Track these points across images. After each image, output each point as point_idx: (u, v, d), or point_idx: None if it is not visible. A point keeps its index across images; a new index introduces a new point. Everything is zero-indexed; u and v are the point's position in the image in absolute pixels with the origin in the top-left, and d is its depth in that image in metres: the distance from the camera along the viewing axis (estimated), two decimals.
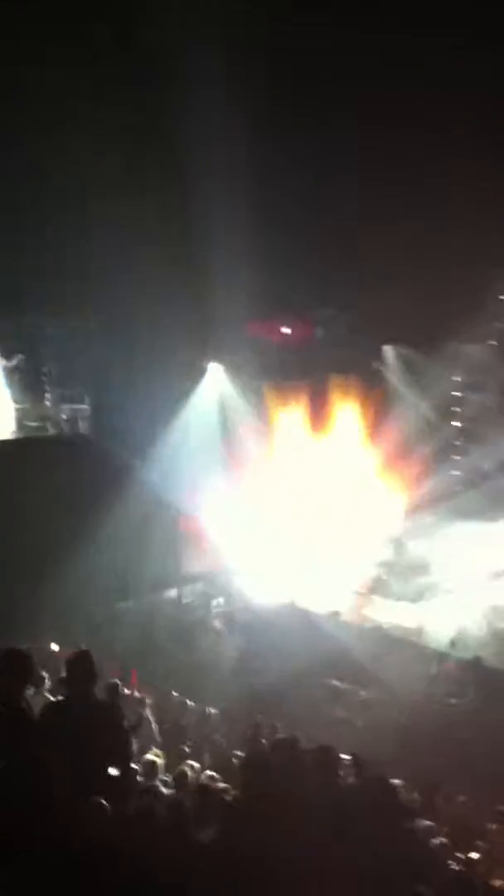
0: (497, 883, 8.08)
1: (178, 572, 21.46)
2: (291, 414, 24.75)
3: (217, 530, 22.37)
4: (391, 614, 20.15)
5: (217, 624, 20.10)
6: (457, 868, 7.30)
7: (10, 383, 20.33)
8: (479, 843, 9.32)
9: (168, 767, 8.43)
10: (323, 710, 16.21)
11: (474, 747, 13.90)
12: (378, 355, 26.00)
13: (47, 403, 21.43)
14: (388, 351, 25.93)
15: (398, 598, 20.85)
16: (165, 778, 7.78)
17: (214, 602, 21.01)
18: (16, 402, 20.49)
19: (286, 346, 25.49)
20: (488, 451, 24.04)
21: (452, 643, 18.19)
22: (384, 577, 21.86)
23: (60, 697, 6.13)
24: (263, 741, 9.16)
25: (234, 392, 23.71)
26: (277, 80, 20.26)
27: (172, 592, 21.17)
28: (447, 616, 19.28)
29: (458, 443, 25.62)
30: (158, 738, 10.84)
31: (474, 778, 12.59)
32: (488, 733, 14.29)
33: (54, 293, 19.05)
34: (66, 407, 21.48)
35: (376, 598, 21.15)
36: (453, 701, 16.47)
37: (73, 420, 21.41)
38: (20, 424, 20.51)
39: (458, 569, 21.18)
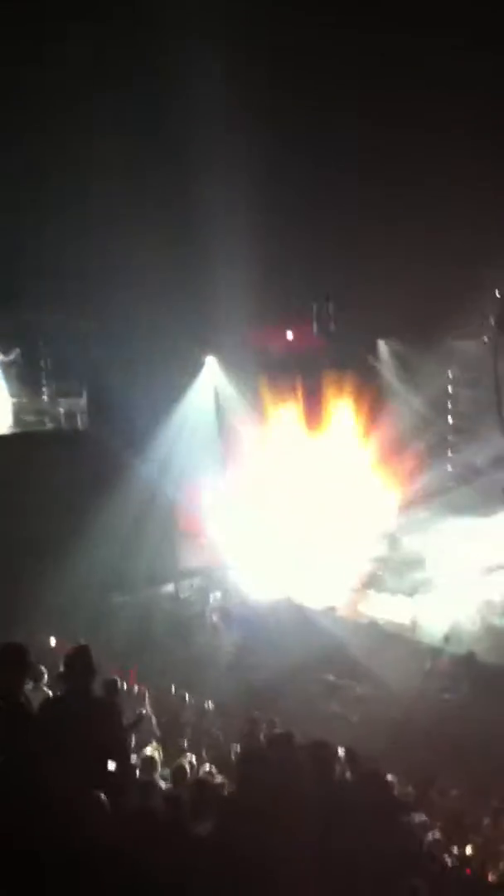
0: (491, 877, 8.16)
1: (176, 567, 21.54)
2: (286, 409, 24.78)
3: (214, 525, 22.43)
4: (386, 609, 20.20)
5: (214, 619, 20.16)
6: (451, 862, 7.38)
7: (8, 378, 20.33)
8: (473, 837, 9.40)
9: (166, 762, 8.48)
10: (318, 704, 16.29)
11: (468, 742, 13.98)
12: (373, 350, 26.03)
13: (44, 398, 21.43)
14: (383, 346, 25.96)
15: (393, 594, 20.88)
16: (163, 772, 7.83)
17: (211, 597, 21.07)
18: (13, 396, 20.49)
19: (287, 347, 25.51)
20: (481, 446, 24.07)
21: (446, 638, 18.25)
22: (379, 573, 21.91)
23: (59, 692, 6.16)
24: (261, 736, 9.19)
25: (230, 386, 23.72)
26: (278, 79, 20.22)
27: (170, 587, 21.22)
28: (441, 611, 19.33)
29: (451, 438, 25.68)
30: (158, 733, 10.90)
31: (468, 772, 12.68)
32: (482, 728, 14.36)
33: (52, 288, 19.03)
34: (63, 401, 21.46)
35: (371, 594, 21.19)
36: (447, 696, 16.54)
37: (70, 414, 21.40)
38: (17, 419, 20.51)
39: (452, 564, 21.22)
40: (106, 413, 20.55)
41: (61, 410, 21.36)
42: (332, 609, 20.22)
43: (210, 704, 14.21)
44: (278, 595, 20.41)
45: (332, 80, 20.35)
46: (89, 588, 17.57)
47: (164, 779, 7.57)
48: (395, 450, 24.76)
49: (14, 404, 20.54)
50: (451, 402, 25.72)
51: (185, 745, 11.20)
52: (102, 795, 5.07)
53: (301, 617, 19.58)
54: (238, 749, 9.60)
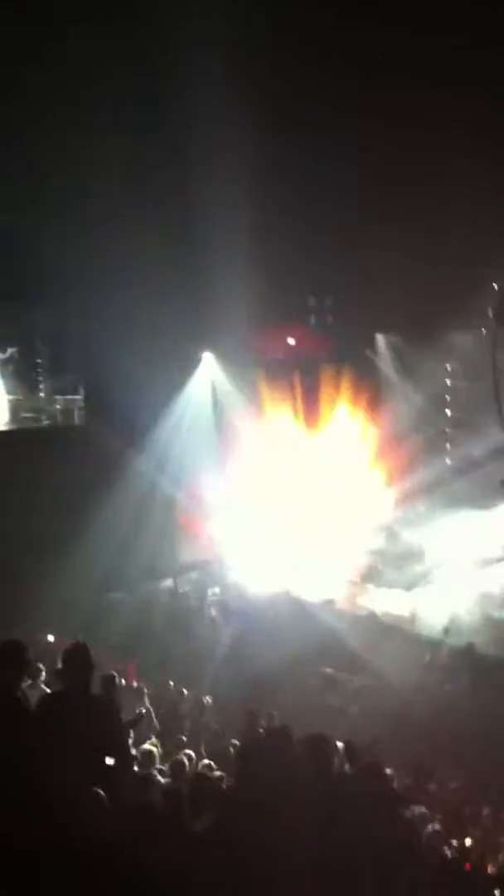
0: (490, 869, 8.18)
1: (174, 562, 21.56)
2: (284, 403, 24.78)
3: (212, 520, 22.44)
4: (384, 602, 20.23)
5: (213, 613, 20.17)
6: (450, 854, 7.40)
7: (5, 375, 20.33)
8: (473, 829, 9.41)
9: (164, 756, 8.48)
10: (317, 697, 16.31)
11: (467, 734, 14.02)
12: (371, 344, 26.03)
13: (42, 395, 21.42)
14: (381, 340, 25.96)
15: (391, 586, 20.93)
16: (162, 767, 7.83)
17: (210, 591, 21.08)
18: (10, 393, 20.49)
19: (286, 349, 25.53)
20: (480, 439, 24.09)
21: (446, 630, 18.28)
22: (377, 566, 21.94)
23: (57, 689, 6.16)
24: (260, 730, 9.20)
25: (228, 382, 23.71)
26: (278, 79, 20.20)
27: (168, 582, 21.23)
28: (440, 603, 19.36)
29: (449, 431, 25.70)
30: (158, 727, 10.90)
31: (467, 764, 12.72)
32: (481, 720, 14.42)
33: (49, 286, 19.02)
34: (59, 398, 21.46)
35: (370, 587, 21.23)
36: (447, 688, 16.57)
37: (66, 411, 21.40)
38: (15, 416, 20.51)
39: (451, 556, 21.26)
40: (103, 410, 20.56)
41: (58, 407, 21.35)
42: (331, 602, 20.25)
43: (209, 698, 14.21)
44: (277, 589, 20.44)
45: (332, 80, 20.34)
46: (88, 584, 17.58)
47: (163, 773, 7.57)
48: (393, 443, 24.79)
49: (11, 401, 20.56)
50: (450, 395, 25.73)
51: (184, 739, 11.20)
52: (101, 791, 5.08)
53: (299, 610, 19.61)
54: (237, 743, 9.60)
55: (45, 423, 21.14)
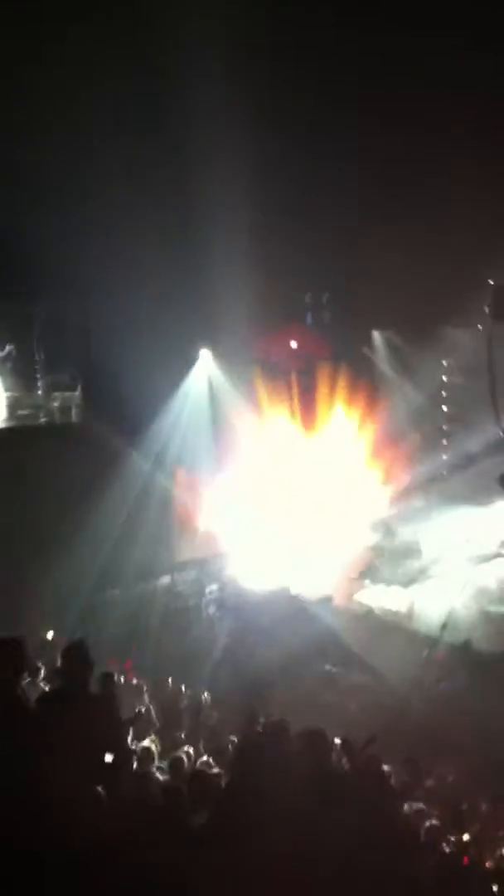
0: (488, 863, 8.22)
1: (172, 559, 21.56)
2: (281, 400, 24.78)
3: (210, 517, 22.46)
4: (382, 599, 20.26)
5: (210, 610, 20.19)
6: (448, 849, 7.42)
7: (2, 372, 20.29)
8: (471, 824, 9.45)
9: (163, 753, 8.51)
10: (315, 694, 16.33)
11: (465, 729, 14.06)
12: (367, 341, 26.05)
13: (39, 392, 21.39)
14: (377, 337, 25.98)
15: (389, 583, 20.95)
16: (161, 764, 7.86)
17: (208, 589, 21.09)
18: (8, 390, 20.46)
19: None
20: (476, 435, 24.10)
21: (443, 626, 18.31)
22: (375, 562, 21.96)
23: (56, 686, 6.18)
24: (257, 727, 9.23)
25: (225, 379, 23.71)
26: (277, 78, 20.16)
27: (166, 579, 21.25)
28: (438, 600, 19.40)
29: (446, 427, 25.72)
30: (157, 723, 10.93)
31: (466, 760, 12.76)
32: (479, 715, 14.45)
33: (46, 282, 19.00)
34: (58, 395, 21.43)
35: (367, 583, 21.25)
36: (444, 684, 16.61)
37: (64, 408, 21.36)
38: (12, 413, 20.47)
39: (448, 552, 21.30)
40: (100, 406, 20.53)
41: (55, 404, 21.32)
42: (329, 599, 20.27)
43: (207, 696, 14.25)
44: (274, 586, 20.45)
45: (332, 80, 20.32)
46: (86, 581, 17.60)
47: (162, 770, 7.60)
48: (389, 440, 24.81)
49: (9, 398, 20.52)
50: (446, 392, 25.75)
51: (182, 736, 11.23)
52: (99, 789, 5.10)
53: (297, 607, 19.63)
54: (235, 740, 9.63)
55: (43, 420, 21.09)
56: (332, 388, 24.92)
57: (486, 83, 19.15)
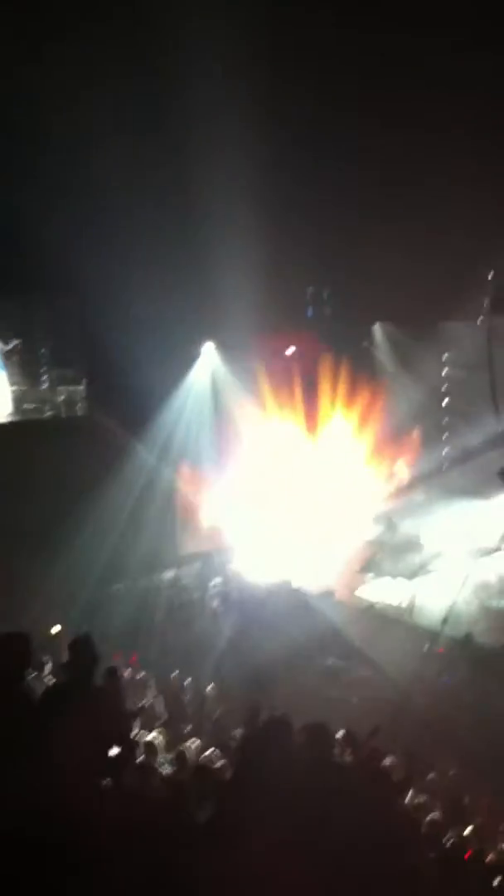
0: (489, 857, 8.28)
1: (176, 553, 21.63)
2: (283, 394, 24.79)
3: (213, 511, 22.52)
4: (384, 593, 20.30)
5: (214, 604, 20.25)
6: (449, 843, 7.49)
7: (7, 366, 20.35)
8: (472, 818, 9.50)
9: (168, 746, 8.58)
10: (317, 688, 16.37)
11: (466, 723, 14.10)
12: (368, 335, 26.07)
13: (44, 386, 21.45)
14: (378, 330, 25.99)
15: (391, 577, 20.98)
16: (165, 758, 7.94)
17: (212, 583, 21.15)
18: (13, 384, 20.53)
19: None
20: (476, 428, 24.11)
21: (445, 620, 18.34)
22: (376, 556, 21.99)
23: (61, 680, 6.23)
24: (260, 720, 9.29)
25: (228, 372, 23.74)
26: (277, 78, 20.11)
27: (170, 573, 21.31)
28: (438, 593, 19.43)
29: (446, 421, 25.71)
30: (162, 717, 11.01)
31: (467, 753, 12.81)
32: (480, 709, 14.49)
33: (52, 276, 19.04)
34: (63, 388, 21.49)
35: (369, 577, 21.29)
36: (445, 677, 16.65)
37: (69, 402, 21.43)
38: (17, 407, 20.55)
39: (448, 546, 21.32)
40: (105, 400, 20.60)
41: (61, 398, 21.39)
42: (331, 593, 20.31)
43: (211, 689, 14.32)
44: (277, 579, 20.51)
45: (332, 80, 20.28)
46: (90, 575, 17.68)
47: (166, 764, 7.67)
48: (391, 433, 24.83)
49: (14, 392, 20.59)
50: (447, 385, 25.74)
51: (187, 730, 11.30)
52: (105, 782, 5.16)
53: (300, 601, 19.67)
54: (238, 733, 9.70)
55: (48, 413, 21.17)
56: (334, 382, 24.94)
57: (486, 83, 19.10)
